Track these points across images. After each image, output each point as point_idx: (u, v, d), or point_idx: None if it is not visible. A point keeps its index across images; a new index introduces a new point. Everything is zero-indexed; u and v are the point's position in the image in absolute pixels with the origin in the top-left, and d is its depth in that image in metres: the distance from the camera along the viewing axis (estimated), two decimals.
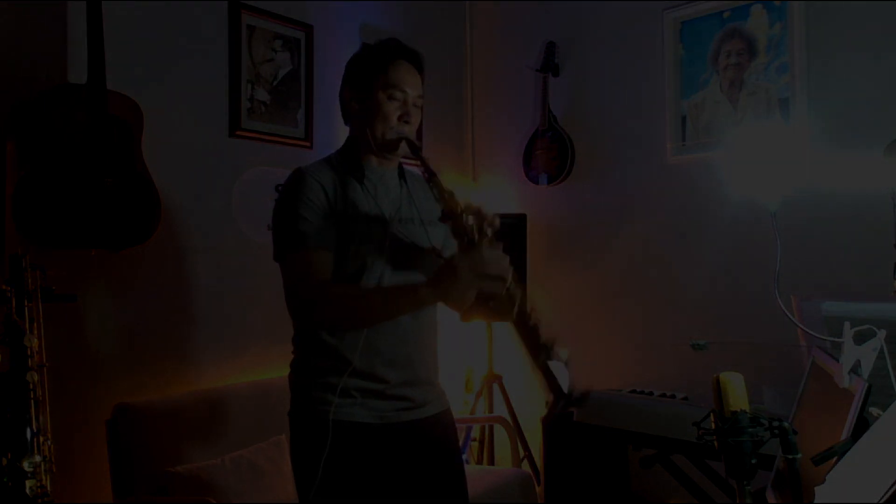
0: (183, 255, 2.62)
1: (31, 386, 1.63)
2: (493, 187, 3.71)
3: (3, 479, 1.57)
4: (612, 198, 3.36)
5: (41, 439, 1.63)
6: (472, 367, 3.61)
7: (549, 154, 3.48)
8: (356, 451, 1.64)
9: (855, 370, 1.38)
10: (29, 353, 1.63)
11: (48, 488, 1.62)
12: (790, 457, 1.20)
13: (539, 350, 1.60)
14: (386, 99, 1.68)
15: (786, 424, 1.19)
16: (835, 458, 1.20)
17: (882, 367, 1.43)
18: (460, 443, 2.09)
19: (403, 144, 1.70)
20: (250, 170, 2.80)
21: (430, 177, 1.63)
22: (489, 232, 1.57)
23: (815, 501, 1.17)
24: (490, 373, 3.44)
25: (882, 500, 1.06)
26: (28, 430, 1.61)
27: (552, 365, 1.58)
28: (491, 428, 3.47)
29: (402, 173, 1.79)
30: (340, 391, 1.65)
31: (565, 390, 1.53)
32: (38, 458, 1.61)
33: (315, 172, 1.68)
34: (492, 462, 3.46)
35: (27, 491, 1.58)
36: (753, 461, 1.17)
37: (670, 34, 3.17)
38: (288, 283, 1.64)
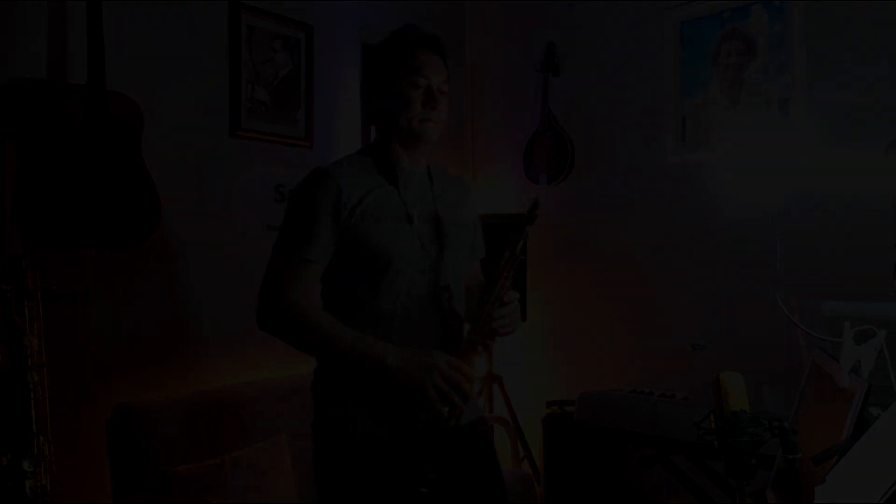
0: (183, 254, 2.62)
1: (31, 386, 1.63)
2: (493, 187, 3.70)
3: (3, 480, 1.57)
4: (612, 197, 3.36)
5: (41, 439, 1.63)
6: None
7: (549, 154, 3.48)
8: (378, 462, 1.59)
9: (855, 370, 1.38)
10: (29, 353, 1.63)
11: (48, 488, 1.62)
12: (790, 457, 1.20)
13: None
14: (408, 86, 1.64)
15: (786, 424, 1.19)
16: (835, 458, 1.20)
17: (882, 367, 1.43)
18: None
19: (431, 131, 1.66)
20: (250, 170, 2.80)
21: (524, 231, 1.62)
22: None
23: (815, 501, 1.17)
24: (490, 373, 3.44)
25: (882, 500, 1.06)
26: (28, 430, 1.61)
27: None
28: (491, 428, 3.47)
29: (430, 173, 1.76)
30: (364, 400, 1.61)
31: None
32: (38, 458, 1.61)
33: (337, 174, 1.63)
34: None
35: (27, 491, 1.58)
36: (753, 461, 1.17)
37: (670, 34, 3.17)
38: (264, 278, 1.64)
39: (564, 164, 3.44)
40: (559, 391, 3.23)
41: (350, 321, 1.60)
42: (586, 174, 3.43)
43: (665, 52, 3.19)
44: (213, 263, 2.67)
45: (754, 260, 2.90)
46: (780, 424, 1.18)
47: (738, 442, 1.16)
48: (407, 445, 1.57)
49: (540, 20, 3.58)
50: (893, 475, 1.07)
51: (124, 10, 2.42)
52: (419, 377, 1.53)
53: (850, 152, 2.67)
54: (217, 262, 2.68)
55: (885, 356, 1.43)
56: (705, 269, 3.05)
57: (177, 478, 2.17)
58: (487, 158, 3.81)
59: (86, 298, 2.32)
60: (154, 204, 2.33)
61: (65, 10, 2.31)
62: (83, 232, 2.20)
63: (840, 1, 2.74)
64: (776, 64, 2.89)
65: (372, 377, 1.57)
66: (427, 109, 1.64)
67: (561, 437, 3.01)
